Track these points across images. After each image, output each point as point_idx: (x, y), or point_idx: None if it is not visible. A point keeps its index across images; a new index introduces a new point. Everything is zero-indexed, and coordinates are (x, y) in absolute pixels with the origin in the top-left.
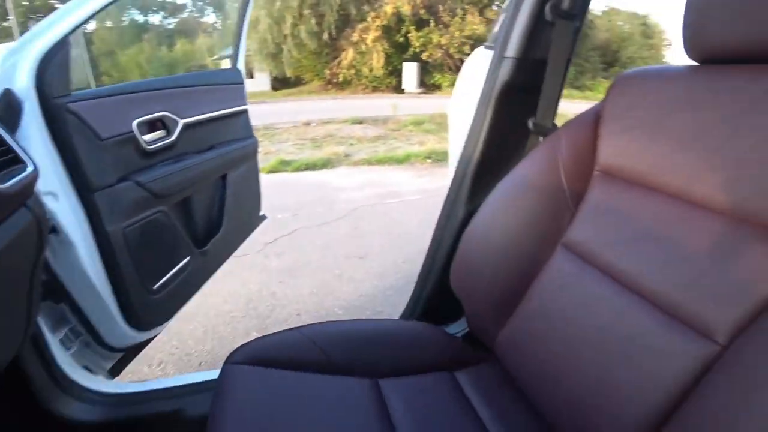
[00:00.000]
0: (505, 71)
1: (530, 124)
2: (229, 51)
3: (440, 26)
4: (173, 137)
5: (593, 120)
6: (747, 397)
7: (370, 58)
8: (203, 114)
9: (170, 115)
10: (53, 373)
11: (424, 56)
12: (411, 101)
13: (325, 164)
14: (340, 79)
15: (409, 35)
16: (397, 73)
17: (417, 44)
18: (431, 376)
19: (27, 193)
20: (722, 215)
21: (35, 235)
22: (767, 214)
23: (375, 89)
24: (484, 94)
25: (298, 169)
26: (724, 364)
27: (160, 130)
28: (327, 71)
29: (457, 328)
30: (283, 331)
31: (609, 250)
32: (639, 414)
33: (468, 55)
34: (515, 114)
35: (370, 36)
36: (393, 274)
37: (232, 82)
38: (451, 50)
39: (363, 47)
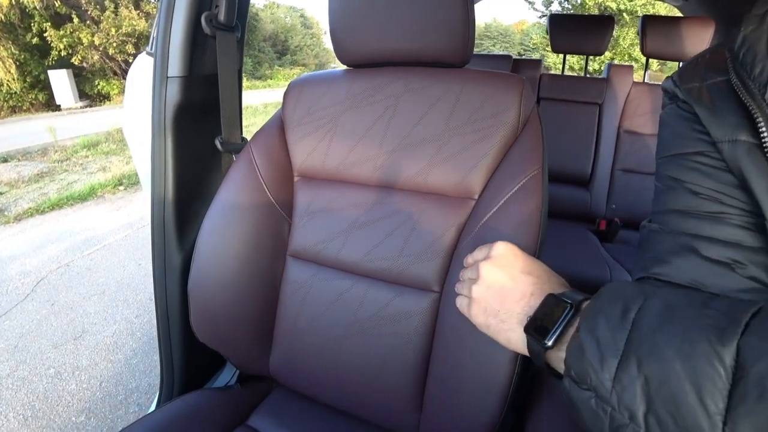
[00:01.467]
0: (173, 92)
1: (218, 143)
2: None
3: (88, 22)
4: None
5: (278, 128)
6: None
7: None
8: None
9: None
10: None
11: (74, 60)
12: (74, 119)
13: None
14: None
15: (46, 35)
16: (43, 84)
17: (61, 46)
18: None
19: None
20: (404, 191)
21: None
22: (432, 184)
23: (15, 110)
24: (156, 120)
25: None
26: (444, 305)
27: None
28: None
29: (228, 375)
30: None
31: (329, 247)
32: (409, 368)
33: (133, 55)
34: (199, 136)
35: None
36: (129, 337)
37: None
38: (111, 51)
39: None
